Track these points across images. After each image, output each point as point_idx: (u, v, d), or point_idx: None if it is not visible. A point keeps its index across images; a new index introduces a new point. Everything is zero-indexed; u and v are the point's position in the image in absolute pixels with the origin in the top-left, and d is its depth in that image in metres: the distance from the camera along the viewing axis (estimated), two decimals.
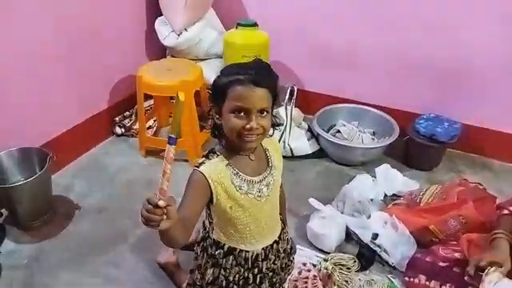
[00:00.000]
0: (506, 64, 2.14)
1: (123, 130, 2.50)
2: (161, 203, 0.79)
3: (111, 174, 2.25)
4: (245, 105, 0.98)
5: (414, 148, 2.26)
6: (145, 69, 2.24)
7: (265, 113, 1.01)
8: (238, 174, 1.07)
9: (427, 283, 1.51)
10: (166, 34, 2.50)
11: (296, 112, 2.35)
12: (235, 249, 1.17)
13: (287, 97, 2.26)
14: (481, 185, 1.80)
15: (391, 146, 2.28)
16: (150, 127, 2.49)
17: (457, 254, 1.53)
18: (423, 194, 1.84)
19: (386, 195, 2.06)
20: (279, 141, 2.28)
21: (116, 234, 1.84)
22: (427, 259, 1.56)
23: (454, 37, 2.19)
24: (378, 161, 2.27)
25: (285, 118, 2.27)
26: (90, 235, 1.86)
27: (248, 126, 0.99)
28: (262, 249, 1.20)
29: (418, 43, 2.28)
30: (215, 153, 1.08)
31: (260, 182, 1.11)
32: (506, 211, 1.45)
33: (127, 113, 2.57)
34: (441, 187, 1.84)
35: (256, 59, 1.08)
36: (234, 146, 1.07)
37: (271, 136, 1.14)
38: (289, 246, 1.37)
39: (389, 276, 1.64)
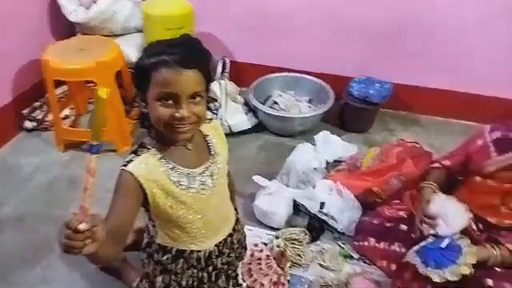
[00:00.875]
0: (430, 23, 2.20)
1: (34, 124, 2.18)
2: (82, 227, 0.65)
3: (26, 175, 1.97)
4: (172, 90, 0.84)
5: (349, 112, 2.28)
6: (51, 51, 1.94)
7: (198, 98, 0.88)
8: (174, 167, 0.94)
9: (376, 245, 1.55)
10: (72, 9, 2.19)
11: (231, 86, 2.23)
12: (184, 251, 1.05)
13: (219, 70, 2.12)
14: (417, 143, 1.86)
15: (327, 112, 2.28)
16: (66, 117, 2.20)
17: (401, 213, 1.58)
18: (363, 158, 1.86)
19: (328, 162, 2.06)
20: (215, 118, 2.16)
21: (41, 244, 1.62)
22: (374, 221, 1.59)
23: None
24: (317, 128, 2.25)
25: (219, 94, 2.14)
26: (11, 249, 1.62)
27: (178, 115, 0.86)
28: (215, 245, 1.10)
29: (350, 5, 2.25)
30: (145, 147, 0.93)
31: (202, 173, 0.99)
32: (436, 164, 1.50)
33: (37, 103, 2.25)
34: (380, 149, 1.87)
35: (183, 35, 0.93)
36: (165, 136, 0.93)
37: (210, 120, 1.01)
38: (243, 236, 1.29)
39: (339, 242, 1.65)
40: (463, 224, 1.33)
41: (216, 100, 2.12)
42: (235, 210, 1.23)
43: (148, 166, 0.90)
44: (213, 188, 1.01)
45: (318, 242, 1.66)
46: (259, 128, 2.31)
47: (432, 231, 1.33)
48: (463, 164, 1.43)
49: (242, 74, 2.50)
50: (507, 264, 1.27)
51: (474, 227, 1.40)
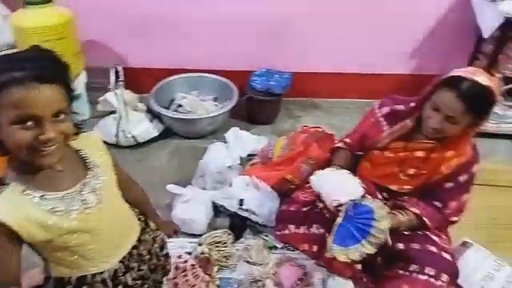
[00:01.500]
0: (316, 14, 2.32)
1: None
2: None
3: None
4: (31, 111, 0.73)
5: (254, 105, 2.31)
6: None
7: (62, 115, 0.77)
8: (43, 195, 0.82)
9: (297, 230, 1.60)
10: None
11: (128, 94, 2.11)
12: (85, 276, 0.94)
13: (113, 80, 1.99)
14: (320, 127, 1.96)
15: (234, 108, 2.29)
16: None
17: (315, 195, 1.65)
18: (274, 149, 1.91)
19: (241, 158, 2.07)
20: (117, 131, 2.03)
21: None
22: (291, 208, 1.64)
23: None
24: (226, 126, 2.25)
25: (117, 105, 2.01)
26: None
27: (43, 138, 0.74)
28: (120, 261, 1.00)
29: (235, 2, 2.27)
30: (3, 183, 0.80)
31: (80, 191, 0.88)
32: (339, 144, 1.59)
33: None
34: (287, 138, 1.93)
35: (33, 46, 0.80)
36: (28, 163, 0.80)
37: (77, 134, 0.89)
38: (157, 245, 1.22)
39: (262, 236, 1.68)
40: (358, 189, 1.35)
41: (115, 112, 1.99)
42: (144, 218, 1.15)
43: (11, 205, 0.78)
44: (99, 204, 0.90)
45: (243, 240, 1.67)
46: (168, 134, 2.23)
47: (334, 203, 1.33)
48: (360, 141, 1.54)
49: (140, 80, 2.38)
50: (414, 227, 1.39)
51: (380, 197, 1.53)
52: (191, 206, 1.66)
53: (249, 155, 2.08)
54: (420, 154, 1.38)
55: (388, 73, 2.54)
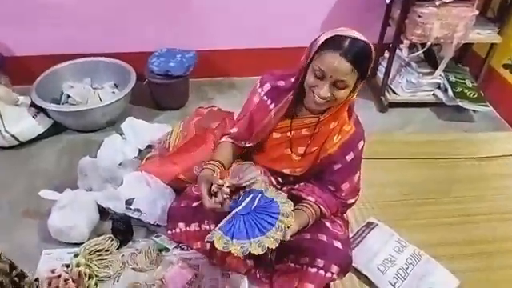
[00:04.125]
0: None
1: None
2: None
3: None
4: None
5: (156, 90, 2.12)
6: None
7: None
8: None
9: (187, 228, 1.45)
10: None
11: (1, 88, 1.83)
12: None
13: None
14: (214, 107, 1.80)
15: (137, 94, 2.08)
16: None
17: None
18: (170, 138, 1.73)
19: (140, 151, 1.89)
20: None
21: None
22: (181, 205, 1.48)
23: None
24: (129, 114, 2.05)
25: None
26: None
27: None
28: None
29: None
30: None
31: None
32: (224, 138, 1.40)
33: None
34: (182, 123, 1.76)
35: None
36: None
37: None
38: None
39: (153, 237, 1.52)
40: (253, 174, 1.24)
41: None
42: None
43: None
44: None
45: (131, 244, 1.51)
46: (58, 129, 1.99)
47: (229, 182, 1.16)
48: (249, 126, 1.39)
49: (28, 70, 2.10)
50: (317, 218, 1.28)
51: (274, 182, 1.41)
52: (68, 212, 1.47)
53: (149, 146, 1.90)
54: (306, 131, 1.26)
55: (300, 46, 2.38)
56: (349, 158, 1.26)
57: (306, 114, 1.26)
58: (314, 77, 1.11)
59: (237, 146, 1.40)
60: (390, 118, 2.30)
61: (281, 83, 1.27)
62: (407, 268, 1.43)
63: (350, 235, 1.55)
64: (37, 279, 1.32)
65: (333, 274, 1.25)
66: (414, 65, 2.21)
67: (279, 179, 1.41)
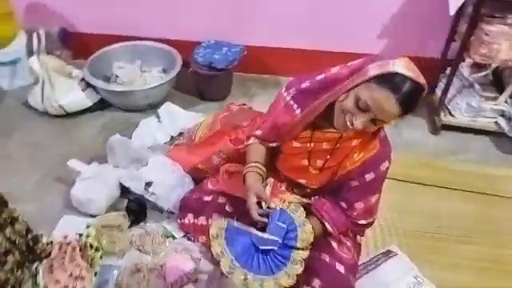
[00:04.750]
0: None
1: None
2: None
3: None
4: None
5: (199, 80, 2.14)
6: None
7: None
8: None
9: (195, 221, 1.45)
10: None
11: (54, 61, 1.96)
12: None
13: (35, 44, 1.86)
14: (245, 104, 1.77)
15: (182, 82, 2.12)
16: None
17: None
18: (198, 129, 1.74)
19: (172, 137, 1.93)
20: (42, 98, 1.93)
21: None
22: (194, 196, 1.49)
23: None
24: (171, 100, 2.10)
25: (38, 70, 1.89)
26: None
27: None
28: None
29: None
30: None
31: None
32: (251, 140, 1.38)
33: None
34: (213, 117, 1.75)
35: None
36: None
37: None
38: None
39: (164, 223, 1.54)
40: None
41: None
42: None
43: None
44: None
45: (142, 225, 1.54)
46: (104, 105, 2.10)
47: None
48: (273, 130, 1.34)
49: (88, 46, 2.25)
50: (319, 235, 1.20)
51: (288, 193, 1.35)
52: (90, 185, 1.54)
53: (181, 133, 1.93)
54: (326, 145, 1.19)
55: (361, 52, 2.26)
56: (368, 177, 1.16)
57: (328, 127, 1.17)
58: (354, 105, 1.01)
59: (265, 146, 1.36)
60: (441, 142, 2.10)
61: (305, 85, 1.20)
62: None
63: (365, 260, 1.45)
64: (51, 242, 1.41)
65: None
66: (477, 87, 1.98)
67: (295, 190, 1.35)
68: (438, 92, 2.14)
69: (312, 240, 1.09)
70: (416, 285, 1.35)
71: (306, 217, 1.15)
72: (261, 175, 1.22)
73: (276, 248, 1.05)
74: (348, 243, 1.27)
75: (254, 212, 1.12)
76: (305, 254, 1.07)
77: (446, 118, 2.09)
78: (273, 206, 1.11)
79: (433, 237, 1.59)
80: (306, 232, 1.09)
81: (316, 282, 1.17)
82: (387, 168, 1.17)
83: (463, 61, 1.82)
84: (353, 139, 1.15)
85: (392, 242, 1.55)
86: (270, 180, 1.21)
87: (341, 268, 1.19)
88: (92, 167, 1.60)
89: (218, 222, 1.10)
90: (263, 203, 1.12)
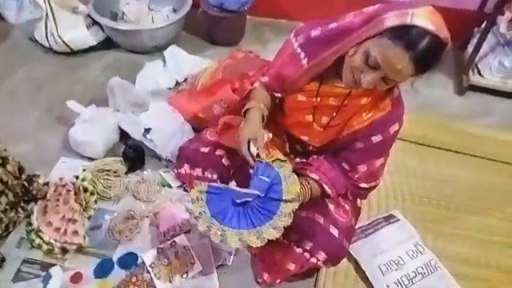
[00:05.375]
0: None
1: None
2: None
3: None
4: None
5: (209, 21, 2.00)
6: None
7: None
8: None
9: (191, 172, 1.40)
10: None
11: None
12: None
13: None
14: (251, 52, 1.64)
15: (192, 24, 1.99)
16: None
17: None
18: (201, 75, 1.65)
19: (177, 82, 1.84)
20: (46, 34, 1.85)
21: None
22: (191, 147, 1.43)
23: None
24: (179, 42, 1.99)
25: (42, 4, 1.79)
26: None
27: None
28: None
29: None
30: None
31: None
32: (256, 84, 1.30)
33: None
34: (217, 64, 1.65)
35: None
36: None
37: None
38: None
39: (161, 171, 1.51)
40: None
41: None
42: None
43: None
44: None
45: (139, 172, 1.52)
46: (110, 44, 2.01)
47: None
48: (278, 79, 1.24)
49: None
50: (315, 197, 1.13)
51: (288, 150, 1.28)
52: (88, 127, 1.50)
53: (186, 80, 1.84)
54: (333, 101, 1.08)
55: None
56: (375, 140, 1.06)
57: (336, 82, 1.05)
58: (363, 61, 0.89)
59: (269, 94, 1.26)
60: (464, 103, 1.94)
61: (316, 33, 1.08)
62: (414, 277, 1.24)
63: (364, 223, 1.39)
64: (47, 183, 1.40)
65: (318, 260, 1.13)
66: None
67: (297, 147, 1.27)
68: (470, 49, 1.94)
69: (298, 191, 1.02)
70: (415, 253, 1.29)
71: (302, 179, 1.08)
72: (263, 118, 1.12)
73: (251, 200, 0.99)
74: (346, 206, 1.20)
75: (244, 147, 1.04)
76: (294, 205, 1.00)
77: (474, 78, 1.92)
78: (262, 155, 1.03)
79: (440, 205, 1.51)
80: (291, 184, 1.02)
81: (307, 244, 1.13)
82: (397, 131, 1.07)
83: (502, 14, 1.61)
84: (363, 97, 1.04)
85: (396, 207, 1.48)
86: (270, 134, 1.13)
87: (335, 231, 1.13)
88: (90, 109, 1.55)
89: (199, 186, 1.04)
90: (252, 146, 1.04)
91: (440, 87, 1.99)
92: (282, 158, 1.06)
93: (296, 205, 1.02)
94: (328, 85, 1.08)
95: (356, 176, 1.13)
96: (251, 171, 1.07)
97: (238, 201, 1.00)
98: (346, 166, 1.13)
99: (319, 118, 1.13)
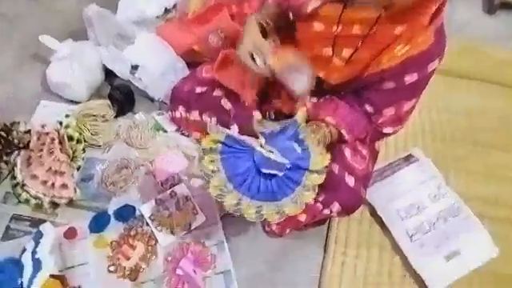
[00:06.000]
0: None
1: None
2: None
3: None
4: None
5: None
6: None
7: None
8: None
9: (187, 115, 1.25)
10: None
11: None
12: None
13: None
14: None
15: None
16: None
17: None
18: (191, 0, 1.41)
19: (167, 10, 1.59)
20: None
21: None
22: (185, 87, 1.26)
23: None
24: None
25: None
26: None
27: None
28: None
29: None
30: None
31: None
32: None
33: None
34: None
35: None
36: None
37: None
38: None
39: (154, 114, 1.36)
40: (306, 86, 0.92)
41: None
42: None
43: None
44: None
45: (130, 115, 1.36)
46: None
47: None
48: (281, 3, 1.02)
49: None
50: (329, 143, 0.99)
51: None
52: (67, 66, 1.31)
53: (175, 6, 1.59)
54: (358, 29, 0.88)
55: None
56: (409, 79, 0.89)
57: (363, 2, 0.85)
58: None
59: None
60: (496, 24, 1.71)
61: None
62: (435, 222, 1.15)
63: (381, 166, 1.26)
64: (29, 131, 1.26)
65: (332, 212, 1.01)
66: None
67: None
68: None
69: (326, 163, 0.88)
70: (438, 196, 1.19)
71: (314, 123, 0.93)
72: (264, 29, 0.97)
73: (281, 174, 0.84)
74: (364, 151, 1.06)
75: (248, 60, 0.91)
76: (320, 178, 0.87)
77: None
78: (271, 62, 0.90)
79: (466, 141, 1.37)
80: (320, 153, 0.88)
81: (320, 195, 0.99)
82: (435, 69, 0.89)
83: None
84: (397, 24, 0.85)
85: (416, 145, 1.34)
86: (275, 39, 0.96)
87: (351, 180, 1.00)
88: (66, 44, 1.34)
89: (214, 134, 0.87)
90: (257, 58, 0.90)
91: (467, 6, 1.74)
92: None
93: (322, 178, 0.88)
94: (352, 8, 0.87)
95: (380, 120, 0.97)
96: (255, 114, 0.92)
97: (265, 171, 0.84)
98: (370, 109, 0.97)
99: (340, 51, 0.94)
